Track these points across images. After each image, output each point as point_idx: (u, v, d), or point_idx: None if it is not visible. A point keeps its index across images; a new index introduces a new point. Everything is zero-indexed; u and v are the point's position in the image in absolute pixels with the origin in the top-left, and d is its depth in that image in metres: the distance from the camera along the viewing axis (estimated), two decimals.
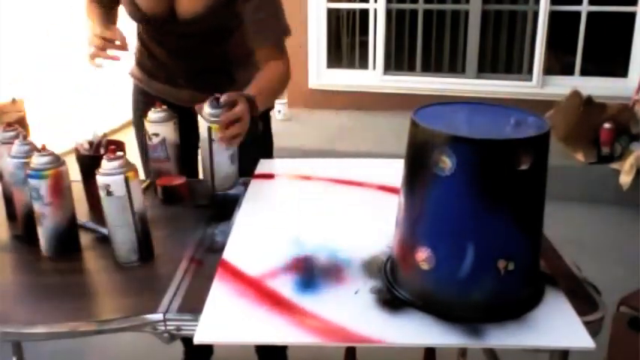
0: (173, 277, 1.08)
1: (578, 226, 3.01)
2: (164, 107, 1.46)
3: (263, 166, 1.58)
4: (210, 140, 1.36)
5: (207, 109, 1.32)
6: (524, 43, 4.22)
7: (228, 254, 1.13)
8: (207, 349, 1.95)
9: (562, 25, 4.06)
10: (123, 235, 1.12)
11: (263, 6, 1.43)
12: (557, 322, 0.92)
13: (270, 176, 1.54)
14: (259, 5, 1.42)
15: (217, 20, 1.47)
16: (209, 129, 1.34)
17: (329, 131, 3.96)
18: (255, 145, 1.52)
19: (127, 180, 1.09)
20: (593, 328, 0.92)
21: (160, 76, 1.66)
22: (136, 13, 1.50)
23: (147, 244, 1.17)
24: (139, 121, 1.67)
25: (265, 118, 1.71)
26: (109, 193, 1.09)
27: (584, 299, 1.00)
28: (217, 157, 1.39)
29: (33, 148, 1.22)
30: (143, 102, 1.69)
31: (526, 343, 0.88)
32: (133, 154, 1.38)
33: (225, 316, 0.95)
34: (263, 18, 1.44)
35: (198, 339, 0.90)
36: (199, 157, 1.59)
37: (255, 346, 1.79)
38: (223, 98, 1.30)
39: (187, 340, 1.74)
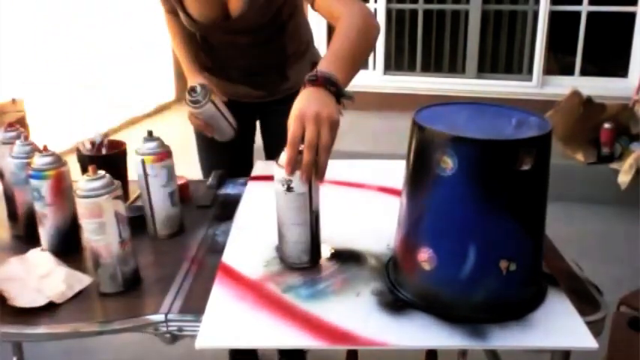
0: (175, 278, 1.08)
1: (578, 226, 3.02)
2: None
3: (260, 167, 1.57)
4: (145, 175, 1.18)
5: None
6: (524, 43, 4.22)
7: (227, 257, 1.12)
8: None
9: (562, 25, 4.06)
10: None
11: None
12: (560, 323, 0.91)
13: (268, 178, 1.52)
14: None
15: (262, 17, 1.47)
16: (142, 162, 1.18)
17: None
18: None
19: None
20: (595, 328, 0.92)
21: (217, 72, 1.67)
22: (193, 24, 1.51)
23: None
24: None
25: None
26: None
27: (585, 299, 1.00)
28: (154, 196, 1.21)
29: (34, 149, 1.22)
30: None
31: (529, 343, 0.88)
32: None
33: (226, 321, 0.94)
34: None
35: (200, 345, 0.89)
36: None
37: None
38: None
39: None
